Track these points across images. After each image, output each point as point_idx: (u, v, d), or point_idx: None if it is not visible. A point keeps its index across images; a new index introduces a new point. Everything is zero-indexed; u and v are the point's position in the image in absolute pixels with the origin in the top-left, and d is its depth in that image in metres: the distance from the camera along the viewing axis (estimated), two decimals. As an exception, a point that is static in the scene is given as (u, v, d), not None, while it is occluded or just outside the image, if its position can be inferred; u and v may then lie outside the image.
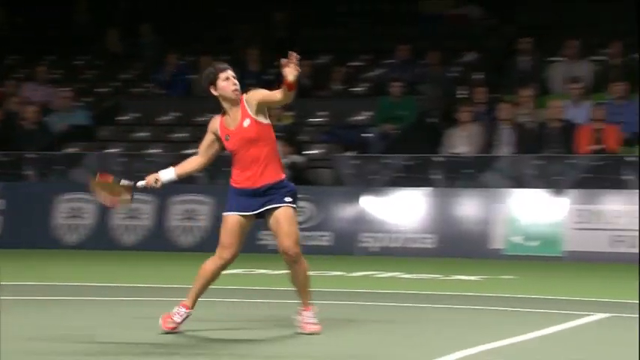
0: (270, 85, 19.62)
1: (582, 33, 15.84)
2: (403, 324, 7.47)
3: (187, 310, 6.75)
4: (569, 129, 13.92)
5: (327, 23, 18.49)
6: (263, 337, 6.71)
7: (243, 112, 6.70)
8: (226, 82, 6.72)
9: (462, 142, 14.49)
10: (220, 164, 15.11)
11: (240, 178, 6.73)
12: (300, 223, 14.62)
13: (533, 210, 13.22)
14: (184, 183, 14.83)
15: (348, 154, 15.11)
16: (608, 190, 13.17)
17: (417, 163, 14.36)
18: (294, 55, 6.53)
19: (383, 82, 16.24)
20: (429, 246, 13.48)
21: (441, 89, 16.12)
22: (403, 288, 10.02)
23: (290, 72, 6.55)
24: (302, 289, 6.76)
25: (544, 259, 12.81)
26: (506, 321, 7.74)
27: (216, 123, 6.84)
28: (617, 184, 13.22)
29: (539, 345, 6.71)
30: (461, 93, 15.74)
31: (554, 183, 13.47)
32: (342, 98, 16.54)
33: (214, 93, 6.79)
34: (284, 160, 14.78)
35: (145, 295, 9.23)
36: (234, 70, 6.84)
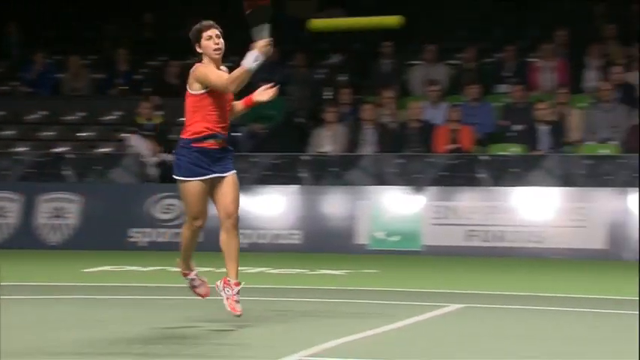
0: (139, 85, 19.33)
1: (439, 38, 16.24)
2: (270, 317, 7.49)
3: (193, 273, 6.80)
4: (427, 129, 14.23)
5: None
6: (125, 336, 6.62)
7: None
8: (209, 41, 6.64)
9: (327, 141, 14.63)
10: (90, 163, 14.92)
11: (207, 130, 6.60)
12: (170, 220, 14.57)
13: (395, 206, 13.45)
14: (52, 181, 14.55)
15: (218, 153, 15.02)
16: (463, 188, 13.51)
17: (285, 161, 14.43)
18: (274, 89, 6.80)
19: (251, 82, 16.23)
20: (296, 242, 13.56)
21: (307, 90, 16.25)
22: (271, 283, 10.05)
23: (262, 97, 6.78)
24: (236, 258, 6.70)
25: (404, 254, 13.06)
26: (369, 313, 7.86)
27: (209, 64, 6.70)
28: (472, 182, 13.58)
29: (399, 335, 6.84)
30: (326, 94, 15.90)
31: (413, 181, 13.74)
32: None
33: (198, 50, 6.67)
34: (154, 159, 14.75)
35: (12, 293, 8.98)
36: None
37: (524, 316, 7.80)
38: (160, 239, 13.59)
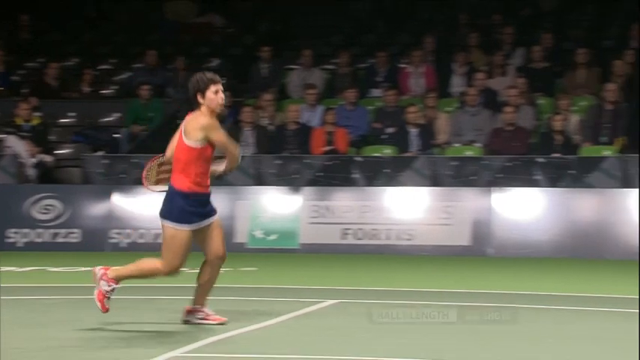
0: (17, 86, 18.65)
1: (315, 44, 16.38)
2: (148, 315, 7.42)
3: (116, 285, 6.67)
4: (304, 131, 14.32)
5: (75, 27, 18.02)
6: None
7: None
8: (215, 95, 6.56)
9: (207, 142, 14.55)
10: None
11: (202, 181, 6.55)
12: (48, 221, 14.21)
13: (273, 206, 13.49)
14: None
15: (98, 153, 14.81)
16: (338, 188, 13.65)
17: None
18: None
19: (131, 85, 16.07)
20: (177, 241, 13.43)
21: (187, 93, 16.12)
22: (150, 281, 9.90)
23: (223, 170, 6.68)
24: (210, 288, 6.81)
25: (282, 252, 13.11)
26: (247, 310, 7.86)
27: (213, 118, 6.66)
28: (347, 182, 13.73)
29: (277, 331, 6.88)
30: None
31: (291, 181, 13.81)
32: (91, 100, 16.20)
33: (200, 100, 6.57)
34: (32, 160, 14.39)
35: None
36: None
37: (395, 310, 7.95)
38: (37, 240, 13.27)
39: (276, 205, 13.49)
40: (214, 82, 6.60)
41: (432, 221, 13.05)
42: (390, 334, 6.67)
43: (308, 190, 13.58)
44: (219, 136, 6.57)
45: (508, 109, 13.82)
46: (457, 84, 15.32)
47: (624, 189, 12.83)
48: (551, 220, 12.71)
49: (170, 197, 6.68)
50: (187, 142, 6.60)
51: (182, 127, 6.68)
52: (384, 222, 13.16)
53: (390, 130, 14.35)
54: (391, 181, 13.60)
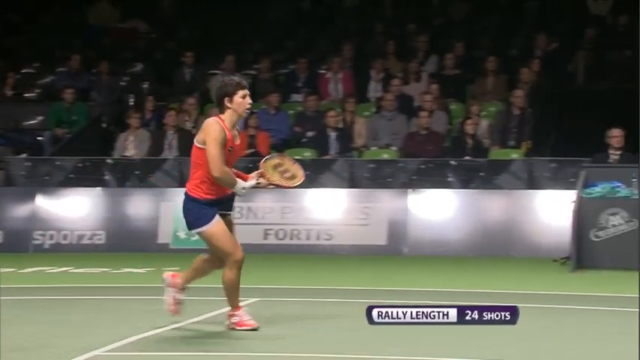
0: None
1: (237, 49, 16.40)
2: (71, 315, 7.35)
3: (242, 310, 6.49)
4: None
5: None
6: None
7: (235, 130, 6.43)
8: (243, 99, 6.34)
9: (131, 145, 14.45)
10: None
11: (216, 189, 6.39)
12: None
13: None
14: None
15: (21, 156, 14.58)
16: (260, 189, 13.63)
17: (89, 164, 14.12)
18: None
19: (55, 88, 15.87)
20: (100, 242, 13.32)
21: (111, 97, 16.01)
22: (74, 282, 9.83)
23: (262, 183, 6.47)
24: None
25: (205, 252, 13.01)
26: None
27: (223, 132, 6.34)
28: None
29: (199, 329, 6.88)
30: (130, 101, 15.69)
31: (213, 183, 13.76)
32: (14, 103, 15.94)
33: (227, 104, 6.34)
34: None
35: None
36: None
37: (314, 307, 8.01)
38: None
39: (200, 207, 13.43)
40: (242, 87, 6.40)
41: (350, 221, 13.17)
42: (311, 330, 6.73)
43: (230, 192, 13.55)
44: (212, 148, 6.32)
45: (422, 113, 14.03)
46: (374, 90, 15.49)
47: (530, 190, 13.15)
48: (462, 220, 12.94)
49: (187, 205, 6.52)
50: (196, 144, 6.46)
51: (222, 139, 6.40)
52: (305, 222, 13.23)
53: (310, 133, 14.44)
54: (311, 182, 13.68)
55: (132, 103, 15.54)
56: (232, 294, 6.64)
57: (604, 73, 15.56)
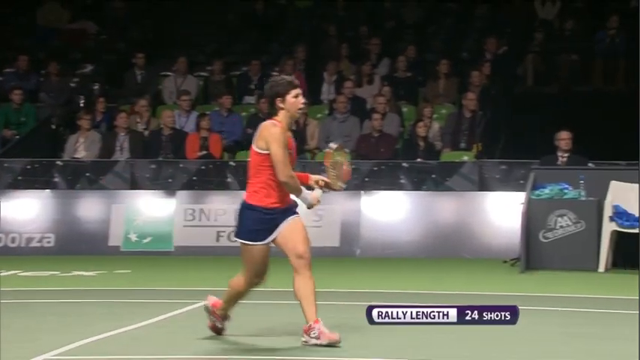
0: None
1: (189, 52, 16.30)
2: (21, 319, 7.23)
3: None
4: (179, 136, 14.22)
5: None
6: None
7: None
8: (296, 99, 6.10)
9: (82, 147, 14.29)
10: None
11: (277, 195, 6.08)
12: None
13: (148, 210, 13.34)
14: None
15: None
16: (212, 191, 13.60)
17: (39, 166, 13.92)
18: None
19: (3, 89, 15.63)
20: (50, 245, 13.14)
21: (60, 98, 15.82)
22: (23, 285, 9.68)
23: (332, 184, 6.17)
24: (314, 299, 6.14)
25: (156, 254, 12.96)
26: (120, 311, 7.77)
27: (284, 134, 6.08)
28: (221, 186, 13.70)
29: (149, 332, 6.82)
30: (80, 102, 15.51)
31: (166, 185, 13.68)
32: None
33: (279, 105, 6.08)
34: None
35: None
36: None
37: (266, 310, 7.99)
38: None
39: (151, 209, 13.34)
40: (294, 87, 6.18)
41: (304, 223, 13.13)
42: (262, 334, 6.70)
43: (182, 194, 13.49)
44: (277, 152, 6.07)
45: (375, 116, 14.07)
46: (327, 92, 15.50)
47: (481, 192, 13.24)
48: (414, 222, 12.99)
49: (243, 212, 6.31)
50: (255, 149, 6.17)
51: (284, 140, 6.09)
52: (258, 224, 13.16)
53: (263, 135, 14.38)
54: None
55: (82, 105, 15.36)
56: (232, 300, 6.38)
57: (552, 76, 15.76)
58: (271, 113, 6.29)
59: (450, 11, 17.23)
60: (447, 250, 12.74)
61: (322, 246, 13.02)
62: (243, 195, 6.36)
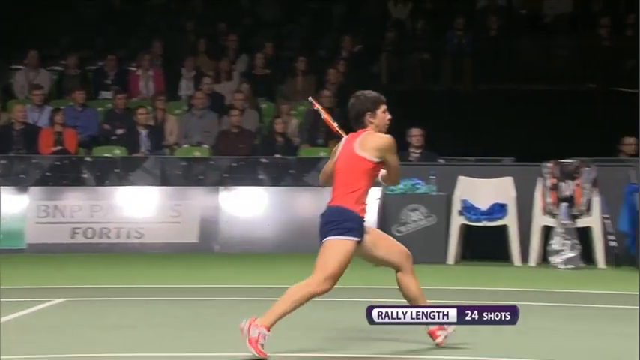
0: None
1: (43, 45, 15.81)
2: None
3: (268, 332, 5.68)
4: (31, 131, 13.77)
5: None
6: None
7: None
8: (385, 113, 6.09)
9: None
10: None
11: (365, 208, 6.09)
12: None
13: (-1, 207, 12.85)
14: None
15: None
16: (68, 187, 13.24)
17: None
18: None
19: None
20: None
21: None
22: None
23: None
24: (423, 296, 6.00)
25: (8, 252, 12.48)
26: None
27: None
28: (77, 182, 13.35)
29: (1, 331, 6.55)
30: None
31: (18, 181, 13.22)
32: None
33: (370, 120, 6.01)
34: None
35: None
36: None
37: (122, 307, 7.83)
38: None
39: (2, 206, 12.84)
40: (382, 102, 6.20)
41: (162, 219, 12.98)
42: (119, 332, 6.56)
43: (36, 190, 13.06)
44: (396, 160, 6.17)
45: (234, 112, 14.02)
46: (185, 87, 15.35)
47: (339, 187, 13.36)
48: (273, 217, 13.02)
49: (348, 216, 6.25)
50: (364, 156, 6.10)
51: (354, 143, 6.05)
52: (115, 221, 12.92)
53: (120, 131, 14.13)
54: (122, 180, 13.39)
55: None
56: (283, 307, 5.95)
57: (405, 75, 16.12)
58: (355, 129, 6.21)
59: (307, 9, 17.36)
60: (306, 246, 12.76)
61: (181, 242, 12.90)
62: (336, 199, 6.30)
